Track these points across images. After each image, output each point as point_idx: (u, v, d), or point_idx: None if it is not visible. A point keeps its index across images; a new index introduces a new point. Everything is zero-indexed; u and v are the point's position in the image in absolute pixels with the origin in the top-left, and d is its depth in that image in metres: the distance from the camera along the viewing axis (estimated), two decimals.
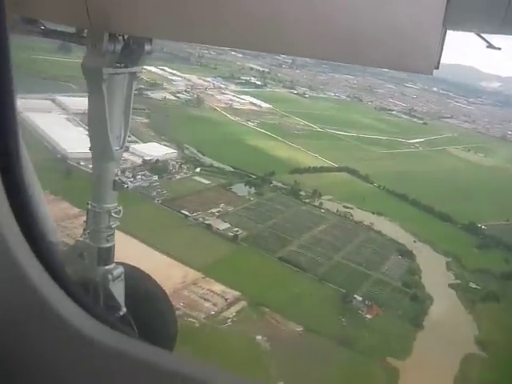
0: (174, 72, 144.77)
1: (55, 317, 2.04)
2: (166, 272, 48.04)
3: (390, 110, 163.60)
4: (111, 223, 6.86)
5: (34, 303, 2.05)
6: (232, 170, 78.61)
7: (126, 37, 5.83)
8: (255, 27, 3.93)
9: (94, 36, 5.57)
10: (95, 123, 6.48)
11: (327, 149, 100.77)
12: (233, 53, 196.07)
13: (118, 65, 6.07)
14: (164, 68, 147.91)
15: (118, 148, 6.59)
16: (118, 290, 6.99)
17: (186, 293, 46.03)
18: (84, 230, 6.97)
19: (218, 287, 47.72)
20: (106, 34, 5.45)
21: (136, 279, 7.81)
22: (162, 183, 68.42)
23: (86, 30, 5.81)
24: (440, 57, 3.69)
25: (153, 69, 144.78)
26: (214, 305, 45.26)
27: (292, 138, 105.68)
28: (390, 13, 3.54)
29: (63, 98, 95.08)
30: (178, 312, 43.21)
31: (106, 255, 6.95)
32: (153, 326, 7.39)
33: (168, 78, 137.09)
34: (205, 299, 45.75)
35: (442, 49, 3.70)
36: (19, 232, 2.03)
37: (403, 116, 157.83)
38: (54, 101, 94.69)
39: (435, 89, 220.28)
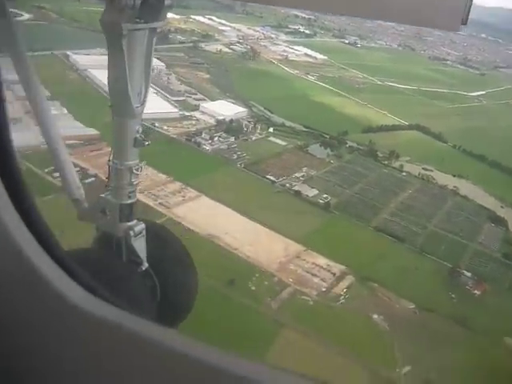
0: (223, 22, 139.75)
1: (49, 289, 2.08)
2: (267, 244, 46.42)
3: (444, 59, 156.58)
4: (133, 180, 6.71)
5: (27, 276, 2.08)
6: (304, 129, 75.58)
7: None
8: None
9: None
10: (115, 80, 6.11)
11: (393, 105, 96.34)
12: None
13: (138, 20, 5.81)
14: (212, 17, 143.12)
15: (138, 105, 6.34)
16: (140, 246, 6.98)
17: (292, 267, 44.24)
18: (106, 186, 6.88)
19: (322, 260, 45.79)
20: None
21: (158, 236, 7.75)
22: (240, 145, 65.92)
23: None
24: (468, 13, 3.51)
25: (201, 18, 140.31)
26: (323, 280, 43.42)
27: (355, 92, 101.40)
28: None
29: None
30: (289, 289, 41.68)
31: (128, 211, 6.84)
32: (174, 281, 7.37)
33: (218, 28, 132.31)
34: (312, 274, 43.91)
35: (470, 5, 3.53)
36: (13, 208, 2.08)
37: (458, 66, 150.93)
38: None
39: (483, 35, 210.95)
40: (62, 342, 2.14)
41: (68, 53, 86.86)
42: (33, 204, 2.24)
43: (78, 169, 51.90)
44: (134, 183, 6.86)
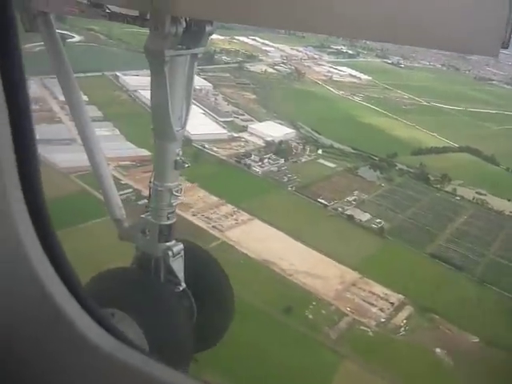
0: (266, 42, 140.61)
1: (71, 329, 2.09)
2: (322, 270, 45.41)
3: (489, 79, 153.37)
4: (172, 201, 6.94)
5: (50, 313, 2.09)
6: (353, 151, 74.53)
7: (187, 19, 5.81)
8: (314, 9, 3.78)
9: (156, 19, 5.51)
10: (158, 104, 6.46)
11: (441, 126, 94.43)
12: None
13: (180, 46, 6.15)
14: (255, 38, 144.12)
15: (179, 129, 6.62)
16: (178, 266, 7.19)
17: (348, 295, 43.09)
18: (146, 207, 7.12)
19: (379, 289, 44.45)
20: (168, 16, 5.43)
21: (196, 256, 7.75)
22: (290, 167, 65.32)
23: (148, 13, 5.75)
24: (509, 36, 3.41)
25: (245, 39, 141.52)
26: (381, 310, 42.07)
27: (402, 113, 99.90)
28: None
29: None
30: (347, 318, 40.51)
31: (167, 232, 7.08)
32: (210, 302, 7.50)
33: (262, 48, 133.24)
34: (369, 303, 42.61)
35: (511, 27, 3.42)
36: (40, 247, 2.06)
37: (505, 86, 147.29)
38: None
39: None
40: (83, 381, 2.17)
41: (118, 74, 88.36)
42: (56, 240, 2.20)
43: (131, 190, 52.29)
44: (174, 204, 7.09)
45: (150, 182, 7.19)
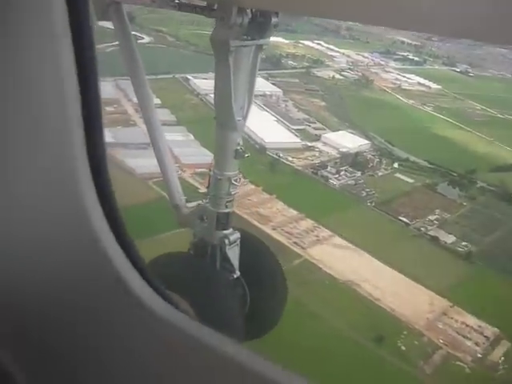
0: (331, 47, 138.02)
1: (133, 299, 2.19)
2: (410, 296, 43.07)
3: None
4: (231, 190, 7.12)
5: (113, 285, 2.20)
6: (429, 165, 71.48)
7: (253, 10, 5.78)
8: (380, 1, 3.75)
9: (223, 9, 5.65)
10: (221, 93, 6.44)
11: None
12: None
13: (245, 37, 6.07)
14: (320, 43, 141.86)
15: (240, 119, 6.61)
16: (234, 254, 7.39)
17: (440, 326, 40.63)
18: (205, 194, 7.23)
19: (471, 320, 41.77)
20: (235, 7, 5.51)
21: (251, 246, 7.78)
22: (366, 180, 63.00)
23: (216, 4, 5.85)
24: None
25: (310, 43, 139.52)
26: (476, 344, 39.43)
27: (476, 126, 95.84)
28: None
29: None
30: (441, 351, 38.08)
31: (225, 220, 7.29)
32: (264, 292, 7.55)
33: (327, 53, 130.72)
34: (463, 336, 40.00)
35: None
36: (105, 223, 2.13)
37: None
38: None
39: None
40: (140, 348, 2.24)
41: (188, 77, 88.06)
42: (119, 214, 2.23)
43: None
44: (233, 193, 7.12)
45: (210, 170, 7.24)
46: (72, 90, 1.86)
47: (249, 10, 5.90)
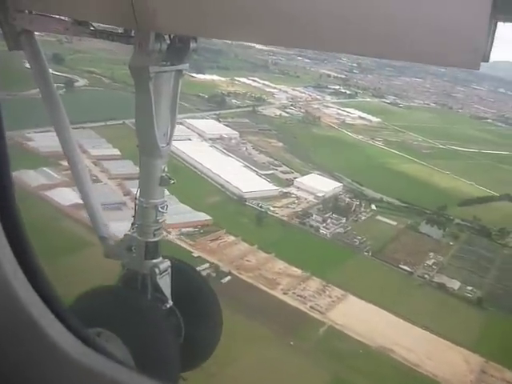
0: (267, 83, 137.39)
1: (48, 342, 2.12)
2: (444, 356, 40.55)
3: (484, 118, 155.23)
4: (158, 218, 6.75)
5: (26, 327, 2.12)
6: (402, 204, 71.10)
7: (171, 36, 5.90)
8: (293, 24, 3.81)
9: (140, 36, 5.57)
10: (142, 121, 6.25)
11: (470, 171, 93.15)
12: (299, 58, 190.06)
13: (164, 63, 6.04)
14: (255, 79, 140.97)
15: (164, 145, 6.42)
16: (165, 283, 7.02)
17: None
18: (132, 224, 6.91)
19: (509, 374, 39.75)
20: (153, 33, 5.48)
21: (183, 273, 7.57)
22: (353, 227, 60.96)
23: (133, 30, 5.82)
24: (489, 50, 3.42)
25: (245, 80, 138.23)
26: None
27: (426, 158, 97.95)
28: (434, 6, 3.36)
29: (191, 121, 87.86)
30: None
31: (154, 249, 6.94)
32: (198, 320, 7.40)
33: (266, 90, 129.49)
34: None
35: (492, 42, 3.44)
36: (18, 266, 2.09)
37: (501, 124, 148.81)
38: (183, 124, 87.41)
39: (502, 90, 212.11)
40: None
41: None
42: (33, 254, 2.17)
43: (207, 265, 46.46)
44: (160, 221, 6.81)
45: (136, 198, 6.78)
46: None
47: (167, 36, 5.76)
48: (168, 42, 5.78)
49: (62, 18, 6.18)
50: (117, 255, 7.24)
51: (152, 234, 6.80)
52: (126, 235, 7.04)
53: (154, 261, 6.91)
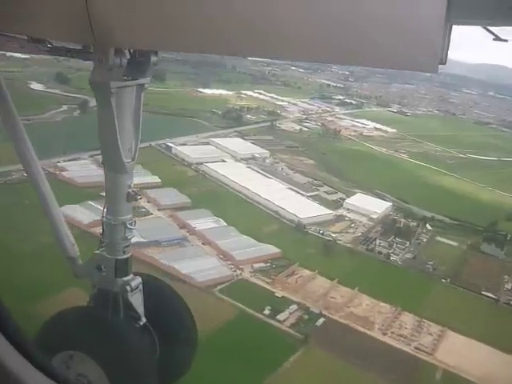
0: (274, 96, 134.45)
1: (11, 379, 2.08)
2: None
3: (487, 123, 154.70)
4: (127, 235, 6.60)
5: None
6: (453, 222, 68.82)
7: (131, 50, 5.70)
8: (256, 33, 3.81)
9: (99, 51, 5.38)
10: (106, 137, 6.06)
11: (498, 182, 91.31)
12: (293, 68, 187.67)
13: (126, 77, 5.87)
14: (261, 92, 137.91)
15: (129, 160, 6.19)
16: (137, 301, 6.86)
17: None
18: (100, 242, 6.77)
19: None
20: (112, 48, 5.33)
21: (155, 289, 7.37)
22: (419, 250, 58.02)
23: (91, 46, 5.70)
24: (446, 53, 3.48)
25: (252, 94, 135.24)
26: None
27: (455, 169, 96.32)
28: (389, 9, 3.34)
29: (218, 141, 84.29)
30: None
31: (124, 266, 6.74)
32: (173, 336, 7.14)
33: (275, 103, 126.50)
34: None
35: (448, 45, 3.51)
36: None
37: (507, 130, 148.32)
38: (210, 144, 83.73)
39: (491, 93, 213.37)
40: None
41: (169, 144, 78.77)
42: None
43: (295, 306, 42.92)
44: (129, 238, 6.67)
45: (103, 216, 6.56)
46: None
47: (127, 51, 5.40)
48: (128, 56, 5.53)
49: (17, 35, 6.05)
50: (87, 275, 7.06)
51: (122, 251, 6.64)
52: (95, 254, 6.91)
53: (125, 278, 6.73)
